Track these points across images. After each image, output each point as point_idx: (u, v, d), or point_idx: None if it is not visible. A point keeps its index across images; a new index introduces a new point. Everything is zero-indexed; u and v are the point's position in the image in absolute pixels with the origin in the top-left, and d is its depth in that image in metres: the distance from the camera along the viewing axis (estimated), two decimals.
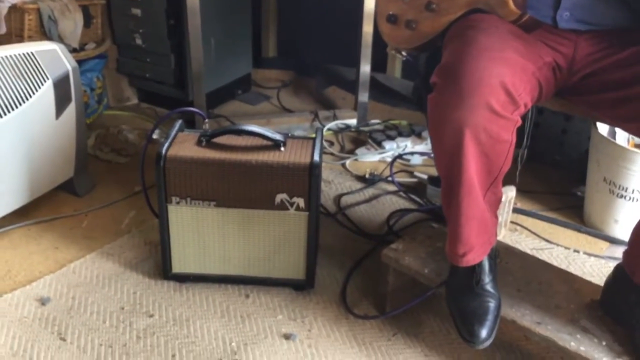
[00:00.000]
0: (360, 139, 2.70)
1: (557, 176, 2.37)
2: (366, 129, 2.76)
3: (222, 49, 2.82)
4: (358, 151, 2.55)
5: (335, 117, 2.80)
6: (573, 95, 1.41)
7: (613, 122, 1.47)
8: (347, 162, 2.47)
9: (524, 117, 1.30)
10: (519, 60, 1.23)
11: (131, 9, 2.63)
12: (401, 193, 2.24)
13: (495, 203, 1.38)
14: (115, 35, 2.77)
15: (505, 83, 1.18)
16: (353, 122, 2.80)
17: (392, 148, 2.54)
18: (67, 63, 1.98)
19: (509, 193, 1.96)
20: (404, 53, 1.58)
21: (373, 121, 2.82)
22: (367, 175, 2.34)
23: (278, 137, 1.67)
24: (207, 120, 1.78)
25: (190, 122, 2.55)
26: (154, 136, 2.44)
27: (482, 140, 1.20)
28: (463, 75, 1.18)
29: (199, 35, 2.46)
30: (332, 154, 2.55)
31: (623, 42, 1.31)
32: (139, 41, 2.69)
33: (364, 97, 2.80)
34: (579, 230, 2.05)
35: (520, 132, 1.29)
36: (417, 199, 2.20)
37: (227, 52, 2.87)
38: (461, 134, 1.19)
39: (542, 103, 1.44)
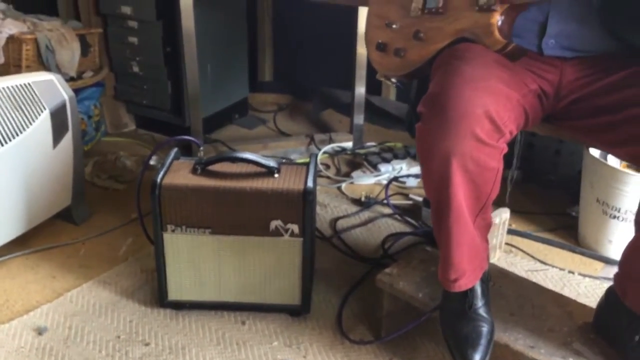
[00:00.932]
0: (356, 161, 2.72)
1: (552, 197, 2.38)
2: (362, 151, 2.79)
3: (218, 74, 2.85)
4: (354, 174, 2.57)
5: (331, 140, 2.82)
6: (561, 121, 1.43)
7: (601, 147, 1.49)
8: (343, 185, 2.49)
9: (513, 140, 1.32)
10: (504, 90, 1.25)
11: (128, 37, 2.67)
12: (397, 216, 2.25)
13: (485, 228, 1.39)
14: (112, 63, 2.80)
15: (489, 112, 1.20)
16: (349, 144, 2.82)
17: (387, 170, 2.56)
18: (63, 93, 2.00)
19: (503, 215, 1.97)
20: (393, 80, 1.60)
21: (369, 144, 2.84)
22: (362, 199, 2.36)
23: (272, 163, 1.69)
24: (202, 147, 1.80)
25: (188, 148, 2.58)
26: (151, 162, 2.46)
27: (469, 168, 1.22)
28: (448, 105, 1.20)
29: (195, 62, 2.50)
30: (328, 177, 2.57)
31: (608, 68, 1.33)
32: (136, 69, 2.72)
33: (359, 119, 2.83)
34: (573, 251, 2.06)
35: (510, 153, 1.31)
36: (413, 222, 2.21)
37: (223, 77, 2.91)
38: (448, 163, 1.21)
39: (531, 128, 1.46)
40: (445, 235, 1.32)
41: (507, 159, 1.35)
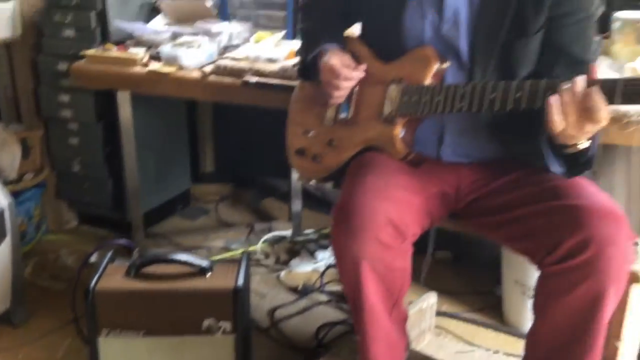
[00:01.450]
0: (295, 249, 2.81)
1: (480, 276, 2.50)
2: (301, 239, 2.88)
3: (159, 168, 2.94)
4: (292, 262, 2.66)
5: (270, 229, 2.92)
6: (464, 218, 1.56)
7: (501, 242, 1.62)
8: (282, 273, 2.57)
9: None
10: (405, 196, 1.38)
11: (69, 138, 2.75)
12: (333, 303, 2.33)
13: (402, 321, 1.49)
14: (54, 164, 2.87)
15: (392, 219, 1.32)
16: (288, 232, 2.91)
17: (324, 257, 2.65)
18: (2, 200, 2.06)
19: (430, 300, 2.08)
20: (313, 182, 1.72)
21: (308, 230, 2.94)
22: (299, 287, 2.43)
23: (204, 263, 1.77)
24: (137, 249, 1.87)
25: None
26: (92, 259, 2.50)
27: (378, 270, 1.33)
28: (354, 213, 1.32)
29: (134, 160, 2.59)
30: (266, 266, 2.64)
31: (500, 172, 1.48)
32: (77, 168, 2.79)
33: (297, 206, 2.93)
34: (498, 331, 2.17)
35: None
36: (348, 308, 2.29)
37: (165, 170, 3.00)
38: (358, 266, 1.32)
39: (438, 225, 1.58)
40: (362, 331, 1.41)
41: (423, 244, 1.46)
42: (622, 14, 2.16)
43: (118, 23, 2.56)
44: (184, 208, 3.21)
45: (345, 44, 1.62)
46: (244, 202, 3.30)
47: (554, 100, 1.18)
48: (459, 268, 2.54)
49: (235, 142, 3.37)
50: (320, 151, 1.63)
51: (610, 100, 1.15)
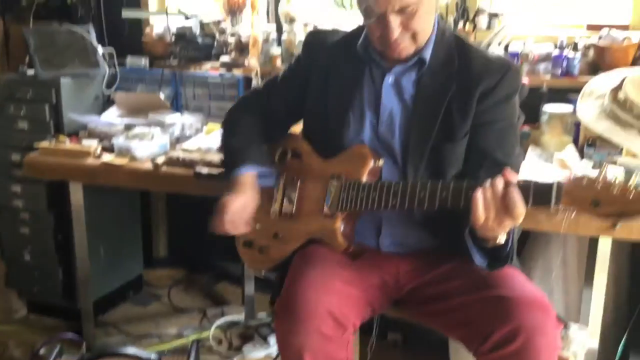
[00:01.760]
0: (248, 334, 2.82)
1: (430, 359, 2.55)
2: (254, 323, 2.89)
3: (111, 255, 2.95)
4: (245, 348, 2.66)
5: (223, 314, 2.93)
6: (405, 306, 1.63)
7: (440, 330, 1.68)
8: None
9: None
10: (345, 288, 1.45)
11: (20, 227, 2.75)
12: None
13: None
14: (3, 252, 2.85)
15: (332, 311, 1.38)
16: (241, 317, 2.93)
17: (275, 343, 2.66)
18: None
19: None
20: (263, 272, 1.77)
21: (261, 314, 2.96)
22: None
23: (152, 356, 1.79)
24: (84, 344, 1.88)
25: (80, 332, 2.60)
26: (41, 352, 2.47)
27: None
28: (296, 307, 1.38)
29: (85, 248, 2.60)
30: (219, 353, 2.64)
31: (436, 262, 1.57)
32: (27, 257, 2.78)
33: (250, 290, 2.96)
34: None
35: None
36: None
37: (116, 256, 3.00)
38: (301, 357, 1.37)
39: (380, 313, 1.65)
40: None
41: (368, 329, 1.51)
42: (549, 107, 2.34)
43: (71, 115, 2.63)
44: (136, 294, 3.20)
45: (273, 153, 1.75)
46: (197, 287, 3.31)
47: (478, 195, 1.28)
48: (409, 350, 2.58)
49: (188, 226, 3.39)
50: (267, 243, 1.69)
51: (525, 199, 1.27)
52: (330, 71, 1.65)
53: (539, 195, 1.27)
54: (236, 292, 3.20)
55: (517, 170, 1.57)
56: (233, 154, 1.73)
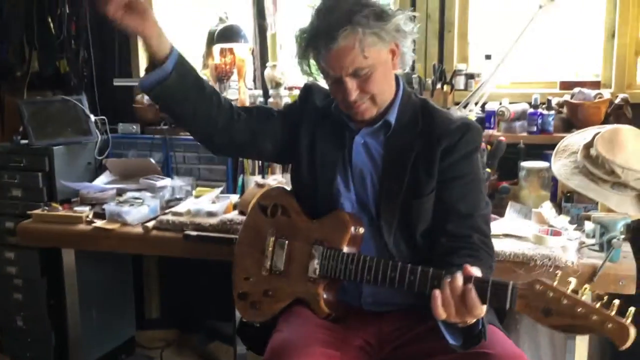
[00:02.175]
0: None
1: None
2: None
3: (104, 318, 2.96)
4: None
5: None
6: None
7: None
8: None
9: None
10: (325, 352, 1.49)
11: (13, 294, 2.79)
12: None
13: None
14: None
15: None
16: None
17: None
18: None
19: None
20: (257, 324, 1.80)
21: None
22: None
23: None
24: None
25: None
26: None
27: None
28: None
29: (77, 314, 2.62)
30: None
31: (420, 319, 1.60)
32: (20, 323, 2.81)
33: (242, 349, 2.97)
34: None
35: None
36: None
37: (109, 319, 3.02)
38: None
39: None
40: None
41: None
42: (527, 164, 2.42)
43: (64, 182, 2.70)
44: (129, 356, 3.20)
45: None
46: (190, 347, 3.31)
47: (437, 294, 1.35)
48: None
49: (181, 286, 3.43)
50: (258, 299, 1.72)
51: (483, 299, 1.33)
52: (317, 128, 1.74)
53: (495, 297, 1.32)
54: (228, 351, 3.21)
55: (484, 220, 1.64)
56: None
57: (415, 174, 1.61)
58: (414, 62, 2.73)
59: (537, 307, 1.27)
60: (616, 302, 1.24)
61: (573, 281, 1.28)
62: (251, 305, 1.75)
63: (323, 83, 1.73)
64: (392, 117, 1.65)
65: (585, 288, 1.31)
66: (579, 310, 1.23)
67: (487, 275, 1.41)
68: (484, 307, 1.34)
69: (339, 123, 1.71)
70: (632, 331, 1.21)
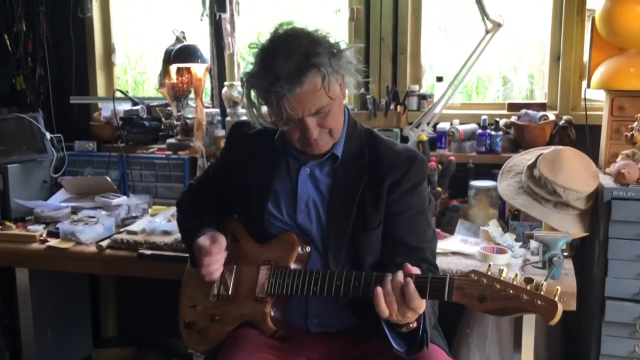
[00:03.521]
0: None
1: None
2: None
3: (59, 337, 2.94)
4: None
5: None
6: None
7: None
8: None
9: None
10: None
11: None
12: None
13: None
14: None
15: None
16: None
17: None
18: None
19: None
20: (203, 355, 1.83)
21: None
22: None
23: None
24: None
25: None
26: None
27: None
28: None
29: (31, 334, 2.61)
30: None
31: (363, 339, 1.65)
32: None
33: None
34: None
35: None
36: None
37: (65, 338, 3.00)
38: None
39: None
40: None
41: None
42: (475, 183, 2.50)
43: (18, 201, 2.68)
44: None
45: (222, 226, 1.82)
46: None
47: (379, 291, 1.41)
48: None
49: (138, 305, 3.42)
50: (205, 326, 1.75)
51: (422, 294, 1.40)
52: (250, 161, 1.76)
53: (434, 289, 1.39)
54: None
55: (431, 252, 1.68)
56: (189, 231, 1.81)
57: (362, 206, 1.64)
58: (368, 83, 2.81)
59: (473, 295, 1.36)
60: (544, 283, 1.34)
61: (505, 269, 1.39)
62: (198, 332, 1.77)
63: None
64: (339, 150, 1.67)
65: (516, 274, 1.39)
66: (510, 292, 1.33)
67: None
68: (423, 302, 1.40)
69: (282, 153, 1.73)
70: (560, 307, 1.30)
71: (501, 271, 1.37)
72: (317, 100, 1.52)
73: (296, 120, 1.55)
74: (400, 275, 1.41)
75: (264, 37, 1.59)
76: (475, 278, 1.36)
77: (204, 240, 1.69)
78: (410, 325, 1.44)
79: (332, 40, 1.55)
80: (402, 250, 1.60)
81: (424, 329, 1.46)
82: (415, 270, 1.43)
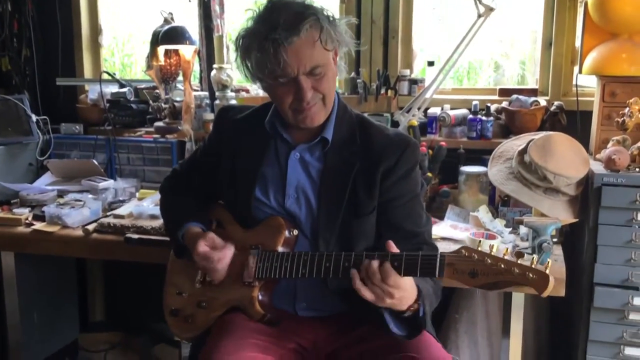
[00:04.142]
0: None
1: None
2: None
3: (46, 321, 2.92)
4: None
5: None
6: None
7: None
8: None
9: None
10: (258, 356, 1.51)
11: None
12: None
13: None
14: None
15: None
16: None
17: None
18: None
19: None
20: (190, 342, 1.81)
21: None
22: None
23: None
24: None
25: None
26: None
27: None
28: None
29: (17, 318, 2.59)
30: None
31: (352, 324, 1.64)
32: None
33: (186, 352, 2.96)
34: None
35: None
36: None
37: (51, 322, 2.98)
38: None
39: None
40: None
41: None
42: (466, 169, 2.48)
43: (3, 184, 2.64)
44: (72, 359, 3.16)
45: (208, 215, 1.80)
46: (134, 350, 3.29)
47: (353, 272, 1.42)
48: None
49: (125, 289, 3.40)
50: (192, 312, 1.74)
51: (413, 272, 1.40)
52: (238, 146, 1.73)
53: (425, 267, 1.38)
54: (173, 353, 3.20)
55: (428, 236, 1.68)
56: (174, 222, 1.79)
57: (354, 192, 1.61)
58: (358, 67, 2.78)
59: (465, 271, 1.36)
60: (535, 256, 1.37)
61: (495, 244, 1.39)
62: (184, 319, 1.76)
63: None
64: (329, 134, 1.64)
65: (507, 249, 1.39)
66: (502, 266, 1.33)
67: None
68: (403, 280, 1.40)
69: (272, 137, 1.70)
70: (552, 279, 1.32)
71: (492, 247, 1.37)
72: (313, 55, 1.50)
73: (291, 78, 1.52)
74: (376, 256, 1.41)
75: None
76: (466, 254, 1.36)
77: (202, 247, 1.64)
78: (411, 308, 1.43)
79: (327, 13, 1.55)
80: (400, 237, 1.57)
81: (424, 312, 1.45)
82: (393, 249, 1.42)
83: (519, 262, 1.33)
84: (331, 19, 1.54)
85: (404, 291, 1.40)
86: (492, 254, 1.35)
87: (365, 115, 1.76)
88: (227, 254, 1.64)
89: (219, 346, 1.51)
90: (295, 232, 1.64)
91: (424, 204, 1.75)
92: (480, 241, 1.44)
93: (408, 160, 1.63)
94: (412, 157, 1.64)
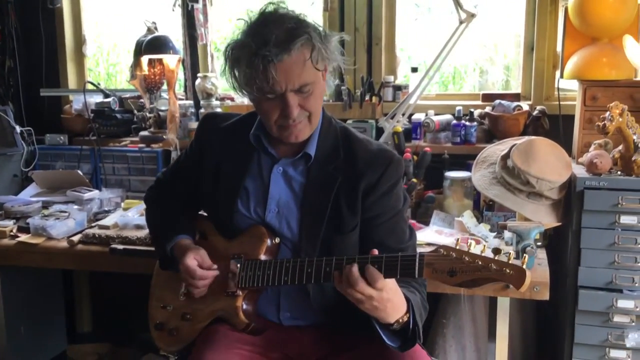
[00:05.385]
0: None
1: None
2: None
3: (33, 333, 2.90)
4: None
5: None
6: None
7: None
8: None
9: None
10: None
11: None
12: None
13: None
14: None
15: None
16: None
17: None
18: None
19: None
20: (172, 356, 1.81)
21: None
22: None
23: None
24: None
25: None
26: None
27: None
28: None
29: (3, 330, 2.57)
30: None
31: (338, 332, 1.64)
32: None
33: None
34: None
35: None
36: None
37: (38, 335, 2.96)
38: None
39: None
40: None
41: None
42: (451, 174, 2.49)
43: None
44: None
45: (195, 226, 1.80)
46: None
47: (336, 275, 1.42)
48: None
49: (113, 299, 3.39)
50: (177, 325, 1.72)
51: (394, 273, 1.39)
52: (221, 156, 1.71)
53: (404, 267, 1.38)
54: None
55: (412, 250, 1.66)
56: (162, 234, 1.78)
57: (337, 208, 1.60)
58: (342, 74, 2.79)
59: (444, 270, 1.36)
60: (512, 252, 1.35)
61: (472, 243, 1.39)
62: (169, 332, 1.75)
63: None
64: (312, 149, 1.63)
65: (484, 246, 1.40)
66: (479, 263, 1.33)
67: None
68: (389, 281, 1.39)
69: (255, 150, 1.69)
70: (528, 274, 1.31)
71: (470, 244, 1.38)
72: (302, 74, 1.48)
73: (279, 94, 1.50)
74: (355, 260, 1.41)
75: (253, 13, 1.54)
76: (444, 252, 1.36)
77: (189, 261, 1.63)
78: (400, 320, 1.42)
79: (320, 30, 1.53)
80: (383, 253, 1.50)
81: (415, 322, 1.44)
82: (374, 252, 1.42)
83: (496, 258, 1.33)
84: (323, 36, 1.51)
85: (389, 291, 1.39)
86: (470, 251, 1.36)
87: (350, 124, 1.75)
88: (210, 274, 1.64)
89: (204, 356, 1.50)
90: (277, 240, 1.63)
91: (407, 218, 1.74)
92: (458, 239, 1.43)
93: (391, 176, 1.61)
94: (394, 173, 1.62)
